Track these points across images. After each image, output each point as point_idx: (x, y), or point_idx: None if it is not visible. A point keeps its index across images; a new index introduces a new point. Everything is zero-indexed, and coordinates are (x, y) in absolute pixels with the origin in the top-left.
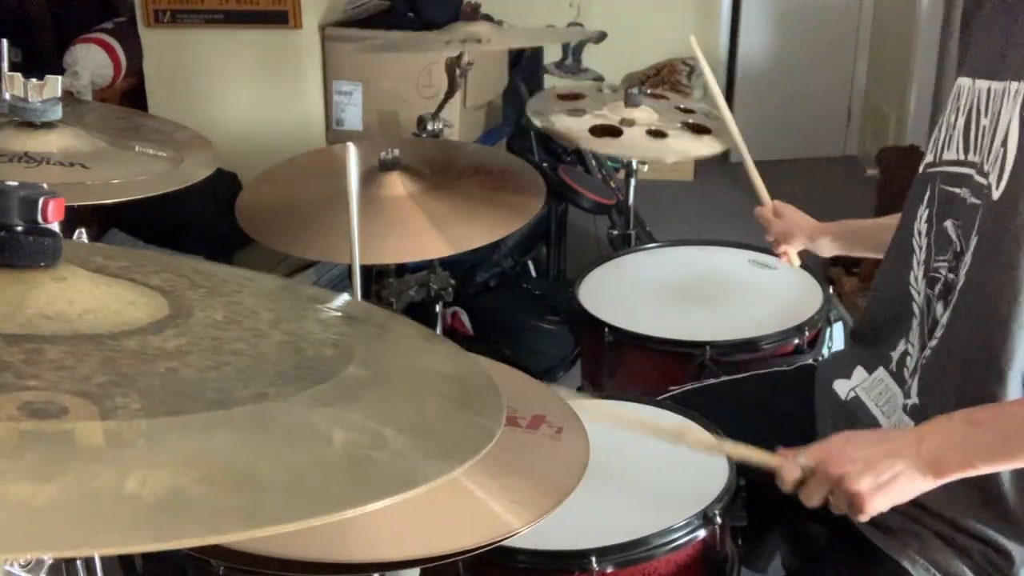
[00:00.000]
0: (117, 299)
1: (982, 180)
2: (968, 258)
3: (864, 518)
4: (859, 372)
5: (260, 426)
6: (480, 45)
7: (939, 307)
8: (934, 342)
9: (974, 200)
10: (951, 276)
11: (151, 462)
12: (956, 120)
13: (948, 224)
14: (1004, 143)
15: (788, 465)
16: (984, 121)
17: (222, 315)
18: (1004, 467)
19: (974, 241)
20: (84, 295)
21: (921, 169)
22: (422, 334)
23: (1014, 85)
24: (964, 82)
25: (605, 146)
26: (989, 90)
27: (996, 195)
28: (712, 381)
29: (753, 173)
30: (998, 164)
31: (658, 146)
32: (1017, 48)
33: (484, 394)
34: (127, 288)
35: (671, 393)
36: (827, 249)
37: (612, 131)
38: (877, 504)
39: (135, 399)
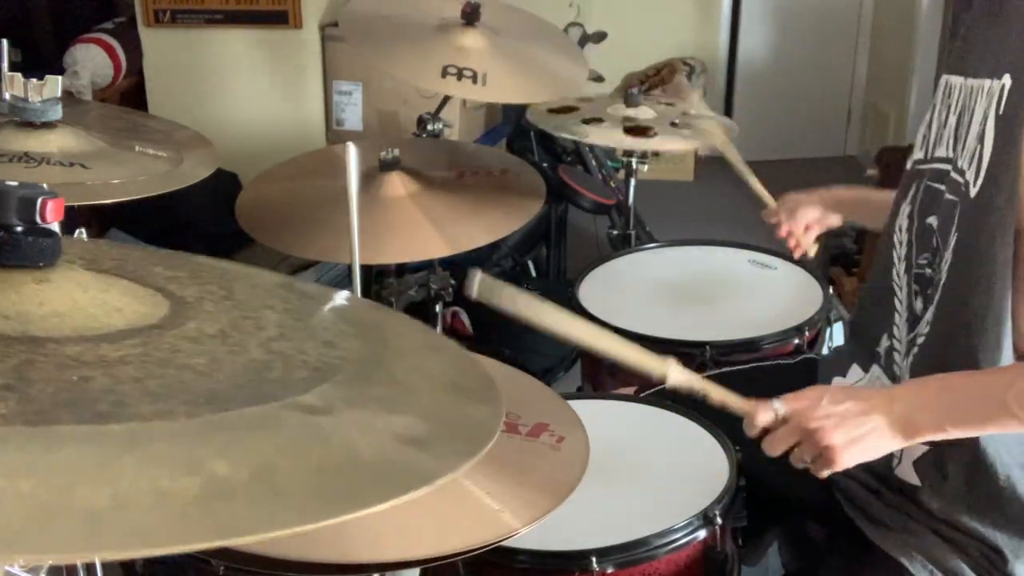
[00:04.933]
0: (101, 305)
1: (959, 177)
2: (949, 255)
3: (826, 474)
4: (855, 370)
5: (122, 449)
6: (475, 87)
7: (919, 303)
8: (921, 339)
9: (953, 197)
10: (930, 272)
11: None
12: (948, 118)
13: (931, 221)
14: (981, 140)
15: (762, 409)
16: (967, 118)
17: (216, 329)
18: (973, 433)
19: (954, 238)
20: (61, 297)
21: (909, 165)
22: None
23: (987, 83)
24: (955, 80)
25: (651, 143)
26: (972, 88)
27: (974, 192)
28: (713, 372)
29: (755, 184)
30: (975, 162)
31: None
32: (996, 46)
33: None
34: (129, 295)
35: None
36: (837, 215)
37: (643, 131)
38: (847, 458)
39: (10, 405)
